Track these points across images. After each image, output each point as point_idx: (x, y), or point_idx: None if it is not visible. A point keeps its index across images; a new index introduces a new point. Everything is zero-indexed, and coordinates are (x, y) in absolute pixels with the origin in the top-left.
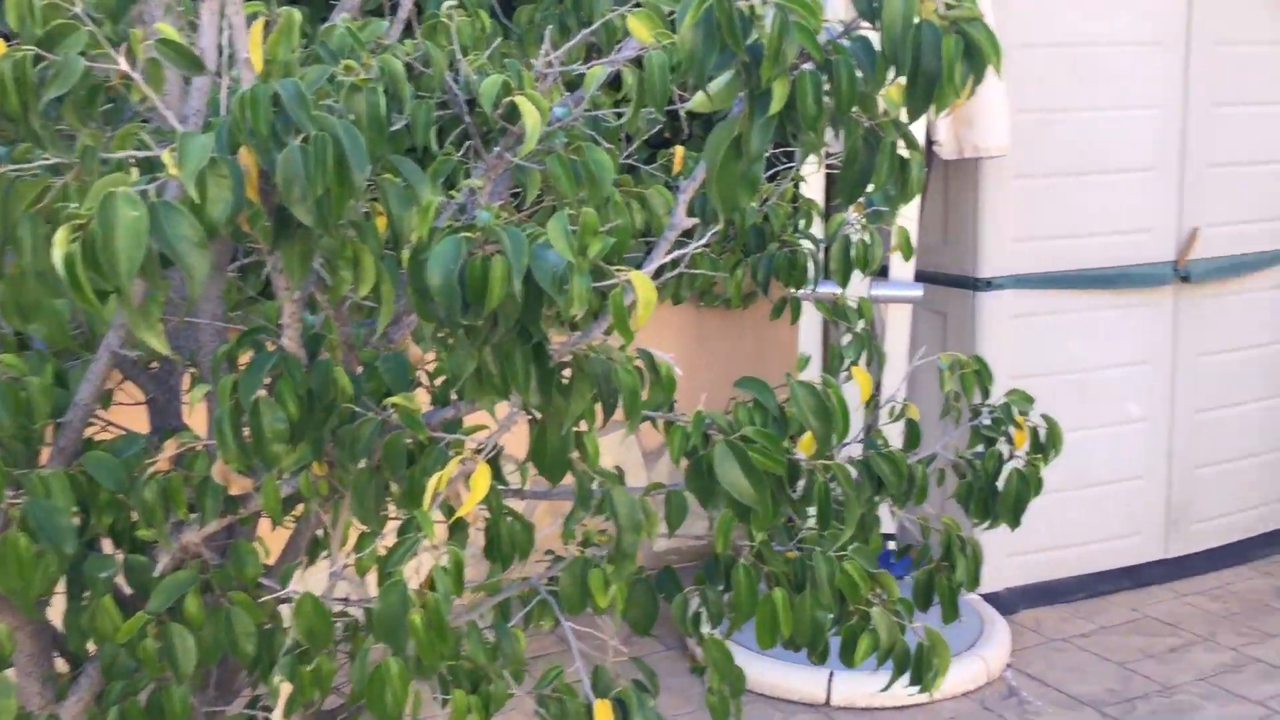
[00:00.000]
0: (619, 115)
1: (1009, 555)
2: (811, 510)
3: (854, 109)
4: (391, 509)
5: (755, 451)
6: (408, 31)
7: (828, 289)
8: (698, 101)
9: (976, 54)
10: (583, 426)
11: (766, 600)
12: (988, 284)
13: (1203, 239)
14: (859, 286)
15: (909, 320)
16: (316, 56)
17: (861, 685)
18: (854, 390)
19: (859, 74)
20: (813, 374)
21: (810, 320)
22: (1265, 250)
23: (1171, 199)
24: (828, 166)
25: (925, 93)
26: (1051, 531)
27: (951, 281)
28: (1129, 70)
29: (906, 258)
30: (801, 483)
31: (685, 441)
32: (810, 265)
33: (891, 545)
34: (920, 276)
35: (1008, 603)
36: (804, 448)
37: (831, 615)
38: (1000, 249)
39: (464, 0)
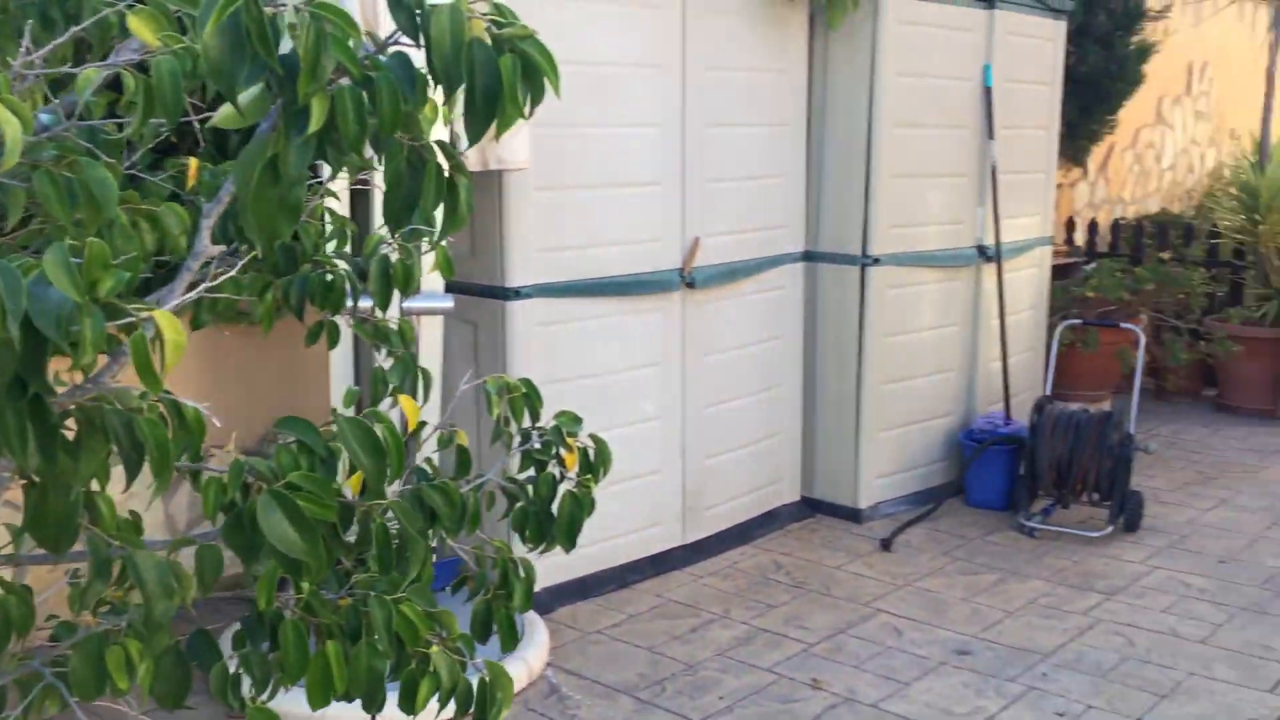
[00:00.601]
0: (120, 125)
1: (544, 556)
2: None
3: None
4: None
5: (304, 499)
6: None
7: (364, 303)
8: (225, 117)
9: (534, 73)
10: (93, 485)
11: (319, 656)
12: (515, 293)
13: (703, 248)
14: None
15: (441, 332)
16: None
17: None
18: (398, 416)
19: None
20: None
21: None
22: (753, 257)
23: (675, 211)
24: (359, 182)
25: (486, 114)
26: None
27: (481, 292)
28: (635, 90)
29: (448, 276)
30: (355, 525)
31: (222, 494)
32: (347, 287)
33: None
34: (450, 287)
35: (545, 602)
36: (352, 486)
37: (389, 662)
38: (526, 259)
39: None
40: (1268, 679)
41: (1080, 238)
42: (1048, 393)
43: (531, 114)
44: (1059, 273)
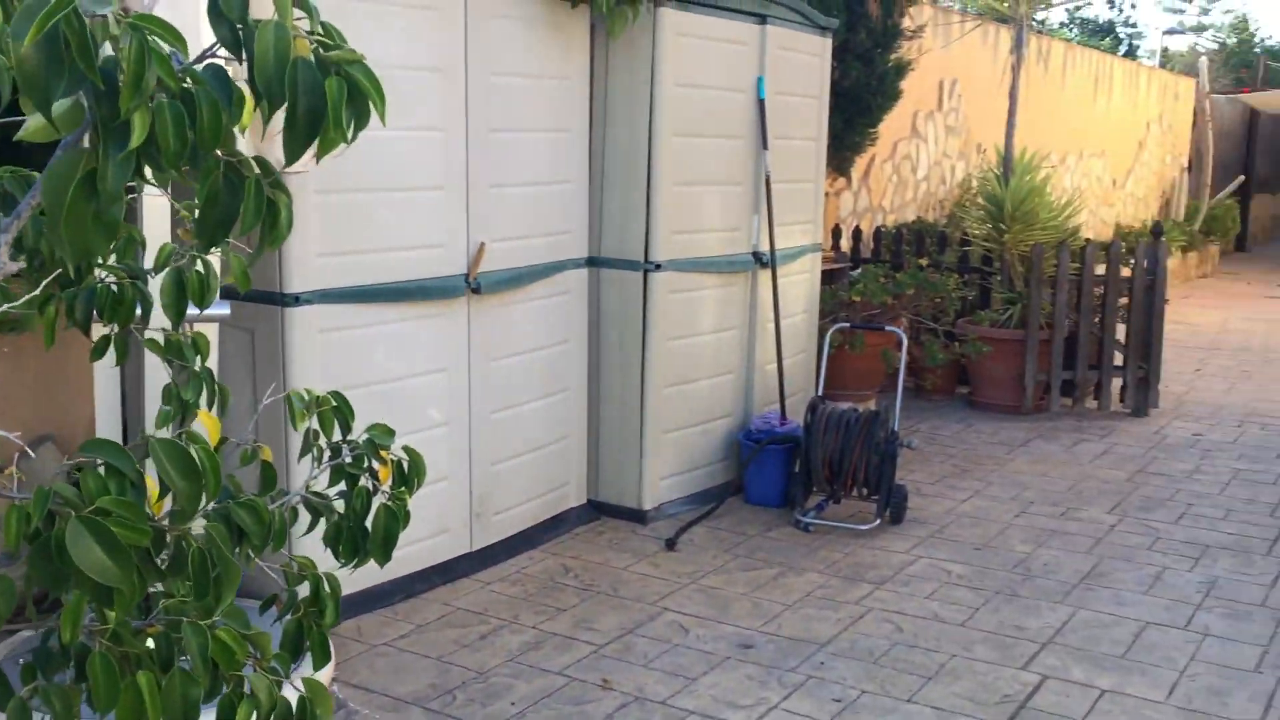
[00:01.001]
0: None
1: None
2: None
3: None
4: None
5: (116, 524)
6: None
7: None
8: (35, 129)
9: (360, 98)
10: None
11: (130, 687)
12: (295, 299)
13: (489, 253)
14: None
15: (215, 339)
16: None
17: None
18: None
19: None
20: (113, 417)
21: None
22: (539, 263)
23: (460, 216)
24: (128, 190)
25: (308, 135)
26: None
27: (258, 298)
28: (418, 94)
29: (244, 289)
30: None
31: (26, 523)
32: (139, 300)
33: None
34: (225, 292)
35: None
36: (155, 509)
37: (204, 689)
38: (305, 264)
39: None
40: (1021, 657)
41: (846, 244)
42: (820, 393)
43: (354, 139)
44: (827, 278)
